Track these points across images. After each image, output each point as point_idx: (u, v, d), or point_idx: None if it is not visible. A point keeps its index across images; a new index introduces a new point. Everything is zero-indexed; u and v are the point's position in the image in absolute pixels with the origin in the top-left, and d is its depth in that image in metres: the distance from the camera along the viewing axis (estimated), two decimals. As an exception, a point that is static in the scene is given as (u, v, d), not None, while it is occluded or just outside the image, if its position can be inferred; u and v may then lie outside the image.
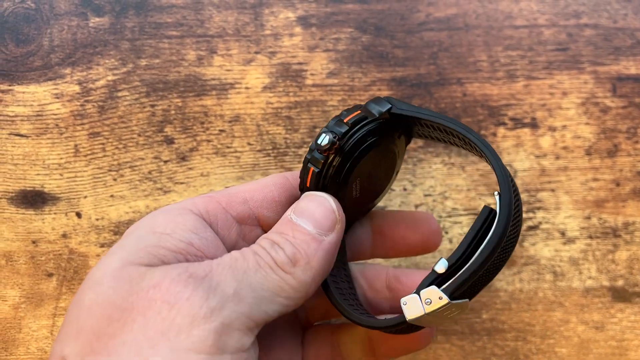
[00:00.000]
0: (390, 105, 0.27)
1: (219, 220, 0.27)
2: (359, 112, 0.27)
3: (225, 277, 0.23)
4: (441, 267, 0.24)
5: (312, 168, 0.27)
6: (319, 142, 0.26)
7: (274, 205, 0.28)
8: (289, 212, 0.27)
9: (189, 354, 0.21)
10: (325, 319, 0.32)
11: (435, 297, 0.24)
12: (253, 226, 0.28)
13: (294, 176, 0.29)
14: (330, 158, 0.27)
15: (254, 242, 0.26)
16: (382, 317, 0.27)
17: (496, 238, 0.23)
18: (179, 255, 0.24)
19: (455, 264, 0.24)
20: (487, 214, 0.24)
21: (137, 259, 0.23)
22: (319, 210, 0.26)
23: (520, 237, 0.37)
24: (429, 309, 0.24)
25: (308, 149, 0.27)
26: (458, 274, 0.24)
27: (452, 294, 0.24)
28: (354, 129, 0.27)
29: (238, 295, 0.23)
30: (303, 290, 0.25)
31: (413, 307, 0.24)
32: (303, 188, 0.28)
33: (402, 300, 0.24)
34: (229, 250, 0.26)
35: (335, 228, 0.26)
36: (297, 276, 0.25)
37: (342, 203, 0.27)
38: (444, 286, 0.24)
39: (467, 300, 0.24)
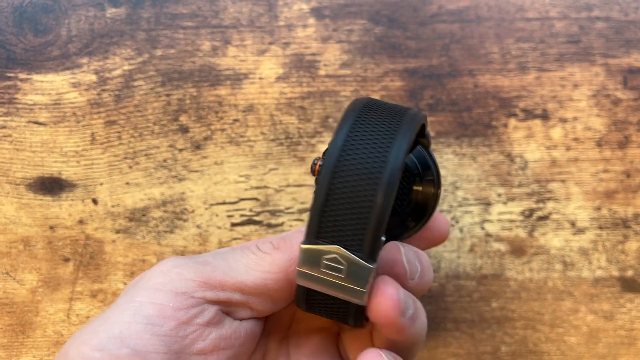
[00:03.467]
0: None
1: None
2: None
3: (205, 255, 0.25)
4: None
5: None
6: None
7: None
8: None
9: (157, 292, 0.23)
10: None
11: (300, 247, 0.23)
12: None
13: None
14: None
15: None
16: None
17: (323, 169, 0.23)
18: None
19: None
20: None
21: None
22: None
23: (530, 226, 0.38)
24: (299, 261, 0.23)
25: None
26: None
27: (307, 237, 0.23)
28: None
29: (205, 261, 0.25)
30: (281, 269, 0.25)
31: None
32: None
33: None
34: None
35: None
36: (275, 255, 0.25)
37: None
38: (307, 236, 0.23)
39: (338, 246, 0.23)
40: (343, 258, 0.23)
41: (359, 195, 0.23)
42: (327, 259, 0.23)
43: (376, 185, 0.22)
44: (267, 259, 0.25)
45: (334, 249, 0.23)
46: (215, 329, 0.24)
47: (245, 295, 0.25)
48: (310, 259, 0.23)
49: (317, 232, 0.23)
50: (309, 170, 0.38)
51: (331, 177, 0.23)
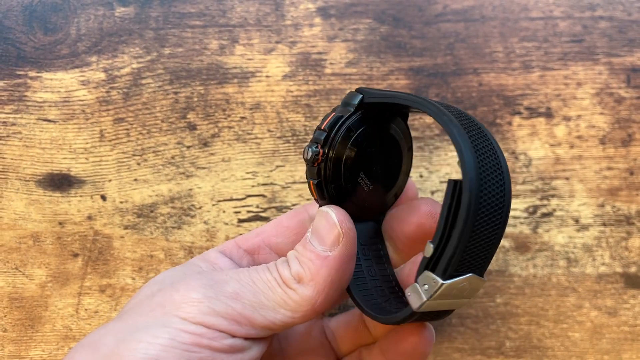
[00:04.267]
0: (361, 96, 0.28)
1: (232, 254, 0.31)
2: (333, 114, 0.28)
3: (229, 279, 0.26)
4: (429, 250, 0.24)
5: (312, 181, 0.28)
6: (305, 157, 0.28)
7: (282, 231, 0.30)
8: (308, 230, 0.28)
9: (190, 325, 0.24)
10: (355, 348, 0.33)
11: (431, 281, 0.24)
12: (267, 254, 0.31)
13: (311, 205, 0.31)
14: (322, 167, 0.28)
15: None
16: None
17: (465, 207, 0.22)
18: None
19: (440, 244, 0.23)
20: (453, 187, 0.23)
21: None
22: (322, 226, 0.27)
23: (534, 223, 0.38)
24: (428, 294, 0.24)
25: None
26: (444, 253, 0.23)
27: (445, 273, 0.23)
28: (333, 132, 0.28)
29: (236, 294, 0.26)
30: (308, 304, 0.26)
31: (415, 297, 0.24)
32: (319, 204, 0.29)
33: (406, 291, 0.25)
34: None
35: (341, 242, 0.27)
36: (300, 292, 0.26)
37: (357, 201, 0.29)
38: (436, 268, 0.24)
39: (471, 274, 0.24)
40: (472, 283, 0.24)
41: (491, 231, 0.24)
42: (460, 288, 0.24)
43: (502, 219, 0.24)
44: (295, 298, 0.26)
45: (468, 278, 0.24)
46: (241, 354, 0.26)
47: (273, 330, 0.27)
48: (446, 293, 0.24)
49: (457, 267, 0.24)
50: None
51: (474, 219, 0.23)
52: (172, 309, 0.25)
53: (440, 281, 0.23)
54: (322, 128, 0.28)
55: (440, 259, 0.23)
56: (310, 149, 0.28)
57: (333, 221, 0.27)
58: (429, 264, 0.24)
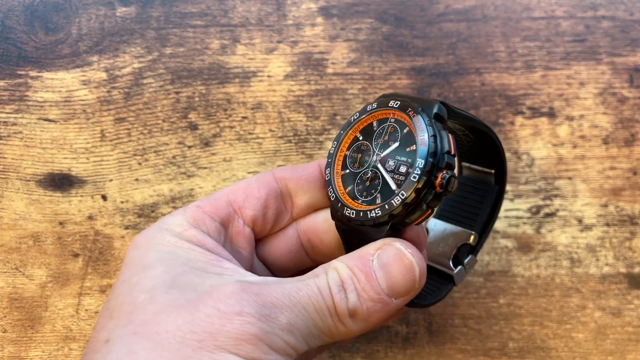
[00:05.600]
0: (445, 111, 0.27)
1: (210, 230, 0.27)
2: (450, 135, 0.25)
3: (282, 306, 0.23)
4: (475, 240, 0.33)
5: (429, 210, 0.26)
6: (444, 187, 0.25)
7: (254, 202, 0.29)
8: (373, 250, 0.25)
9: (229, 356, 0.22)
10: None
11: (474, 263, 0.33)
12: (240, 228, 0.29)
13: (280, 172, 0.29)
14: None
15: (242, 243, 0.28)
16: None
17: (497, 209, 0.33)
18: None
19: (481, 236, 0.33)
20: (498, 191, 0.33)
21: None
22: (402, 276, 0.25)
23: (537, 223, 0.38)
24: (470, 271, 0.33)
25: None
26: (480, 241, 0.33)
27: (476, 255, 0.33)
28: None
29: (291, 326, 0.23)
30: (348, 336, 0.25)
31: (460, 275, 0.32)
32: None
33: (455, 271, 0.32)
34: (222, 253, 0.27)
35: (409, 294, 0.25)
36: (349, 326, 0.25)
37: None
38: (475, 253, 0.33)
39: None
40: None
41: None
42: None
43: None
44: (341, 330, 0.25)
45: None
46: None
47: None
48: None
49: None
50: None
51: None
52: (228, 344, 0.22)
53: (476, 259, 0.33)
54: (453, 153, 0.25)
55: (477, 247, 0.33)
56: (448, 176, 0.24)
57: (415, 277, 0.25)
58: (473, 250, 0.33)
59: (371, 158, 0.27)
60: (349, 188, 0.27)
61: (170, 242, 0.26)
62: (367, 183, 0.27)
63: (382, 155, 0.27)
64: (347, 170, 0.28)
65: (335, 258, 0.26)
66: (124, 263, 0.26)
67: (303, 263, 0.31)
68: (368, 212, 0.26)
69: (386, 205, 0.25)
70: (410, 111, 0.26)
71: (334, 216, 0.27)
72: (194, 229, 0.27)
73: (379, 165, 0.26)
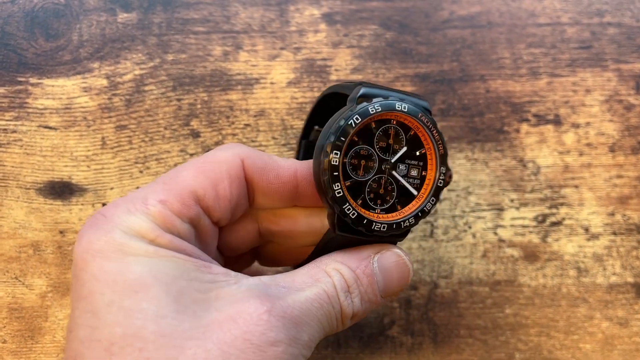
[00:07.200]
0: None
1: (179, 231, 0.24)
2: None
3: (303, 322, 0.23)
4: None
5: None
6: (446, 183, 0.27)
7: (224, 204, 0.25)
8: (372, 252, 0.26)
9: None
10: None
11: None
12: (208, 227, 0.26)
13: (251, 168, 0.26)
14: None
15: (209, 239, 0.26)
16: None
17: None
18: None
19: None
20: None
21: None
22: (398, 281, 0.26)
23: (543, 232, 0.37)
24: None
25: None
26: None
27: None
28: None
29: (310, 341, 0.23)
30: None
31: None
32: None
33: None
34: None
35: (396, 295, 0.27)
36: (347, 325, 0.26)
37: None
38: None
39: None
40: None
41: None
42: None
43: None
44: (340, 328, 0.26)
45: None
46: None
47: None
48: None
49: None
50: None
51: None
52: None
53: None
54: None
55: None
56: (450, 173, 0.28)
57: (408, 278, 0.27)
58: None
59: (378, 164, 0.26)
60: (360, 199, 0.26)
61: (149, 251, 0.22)
62: (381, 191, 0.26)
63: (393, 160, 0.26)
64: (352, 180, 0.26)
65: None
66: (87, 276, 0.21)
67: (255, 243, 0.30)
68: (402, 223, 0.26)
69: (419, 213, 0.26)
70: (421, 116, 0.26)
71: (341, 230, 0.26)
72: (168, 234, 0.23)
73: (393, 172, 0.26)
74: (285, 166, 0.27)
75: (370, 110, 0.25)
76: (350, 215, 0.25)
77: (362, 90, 0.26)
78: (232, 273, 0.24)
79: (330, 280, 0.25)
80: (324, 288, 0.24)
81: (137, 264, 0.21)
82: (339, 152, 0.25)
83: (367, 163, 0.26)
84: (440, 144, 0.27)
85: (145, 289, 0.21)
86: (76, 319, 0.21)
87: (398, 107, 0.26)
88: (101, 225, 0.22)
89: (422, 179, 0.27)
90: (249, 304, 0.22)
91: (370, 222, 0.26)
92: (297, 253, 0.30)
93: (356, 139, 0.26)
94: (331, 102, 0.30)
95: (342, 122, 0.25)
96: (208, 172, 0.25)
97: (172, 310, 0.21)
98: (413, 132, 0.26)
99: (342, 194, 0.25)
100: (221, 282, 0.23)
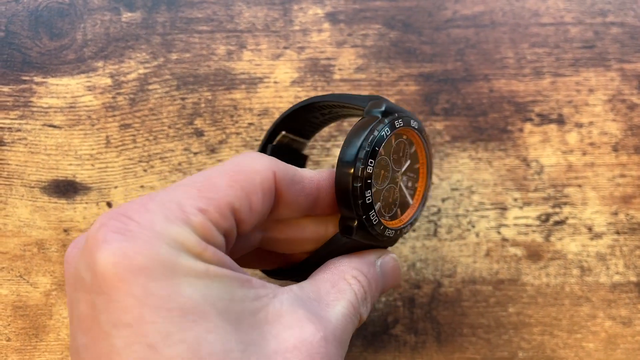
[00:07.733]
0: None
1: (216, 242, 0.22)
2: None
3: (345, 340, 0.24)
4: None
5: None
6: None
7: (256, 218, 0.24)
8: (374, 257, 0.27)
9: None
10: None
11: None
12: (235, 236, 0.24)
13: (280, 182, 0.25)
14: None
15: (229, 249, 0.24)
16: None
17: None
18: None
19: None
20: None
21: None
22: (392, 284, 0.28)
23: (546, 231, 0.37)
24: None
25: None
26: None
27: None
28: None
29: (344, 355, 0.24)
30: None
31: None
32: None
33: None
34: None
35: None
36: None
37: None
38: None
39: None
40: None
41: None
42: None
43: None
44: None
45: None
46: None
47: None
48: None
49: None
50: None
51: None
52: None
53: None
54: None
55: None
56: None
57: (400, 280, 0.29)
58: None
59: (391, 174, 0.28)
60: (377, 206, 0.27)
61: (199, 270, 0.20)
62: (390, 199, 0.28)
63: (401, 171, 0.29)
64: (375, 188, 0.27)
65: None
66: (129, 298, 0.18)
67: (251, 249, 0.28)
68: (403, 228, 0.28)
69: (413, 219, 0.29)
70: (425, 134, 0.29)
71: (359, 235, 0.26)
72: (211, 247, 0.21)
73: (400, 182, 0.29)
74: (309, 177, 0.26)
75: (396, 124, 0.27)
76: (373, 221, 0.26)
77: (385, 106, 0.27)
78: (267, 284, 0.23)
79: (352, 290, 0.25)
80: (349, 300, 0.25)
81: (188, 287, 0.19)
82: (373, 161, 0.26)
83: (384, 173, 0.28)
84: (430, 160, 0.30)
85: (204, 318, 0.19)
86: (119, 349, 0.18)
87: (412, 124, 0.28)
88: (137, 234, 0.19)
89: (414, 189, 0.30)
90: (304, 330, 0.21)
91: (385, 228, 0.27)
92: (284, 258, 0.30)
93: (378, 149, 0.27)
94: (303, 112, 0.31)
95: (376, 133, 0.26)
96: (242, 182, 0.23)
97: (237, 342, 0.19)
98: (414, 148, 0.29)
99: (371, 200, 0.26)
100: (263, 297, 0.22)
